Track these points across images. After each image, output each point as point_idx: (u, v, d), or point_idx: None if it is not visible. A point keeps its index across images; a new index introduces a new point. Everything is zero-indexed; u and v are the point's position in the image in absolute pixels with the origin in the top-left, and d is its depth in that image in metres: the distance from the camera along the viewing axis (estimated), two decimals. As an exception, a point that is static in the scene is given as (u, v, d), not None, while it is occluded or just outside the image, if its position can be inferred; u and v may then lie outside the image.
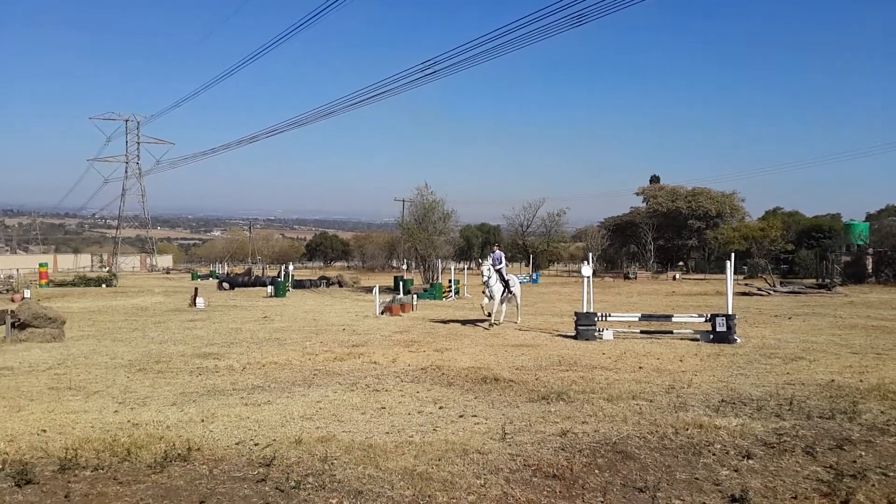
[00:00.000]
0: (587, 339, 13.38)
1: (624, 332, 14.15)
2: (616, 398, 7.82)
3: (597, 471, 5.24)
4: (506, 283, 17.02)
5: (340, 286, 39.89)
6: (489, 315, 16.76)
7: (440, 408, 7.48)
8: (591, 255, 21.39)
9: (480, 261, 18.58)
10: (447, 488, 4.81)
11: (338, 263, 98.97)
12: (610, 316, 14.38)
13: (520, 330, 15.83)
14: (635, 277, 50.64)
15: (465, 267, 42.38)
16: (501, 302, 16.96)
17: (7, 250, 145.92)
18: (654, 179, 77.95)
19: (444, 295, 28.47)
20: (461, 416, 7.06)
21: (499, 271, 16.93)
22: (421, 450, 5.73)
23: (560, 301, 27.08)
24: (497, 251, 17.95)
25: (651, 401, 7.70)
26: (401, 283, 28.24)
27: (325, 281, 40.76)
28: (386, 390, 8.52)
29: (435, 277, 33.97)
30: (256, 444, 5.95)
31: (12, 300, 27.51)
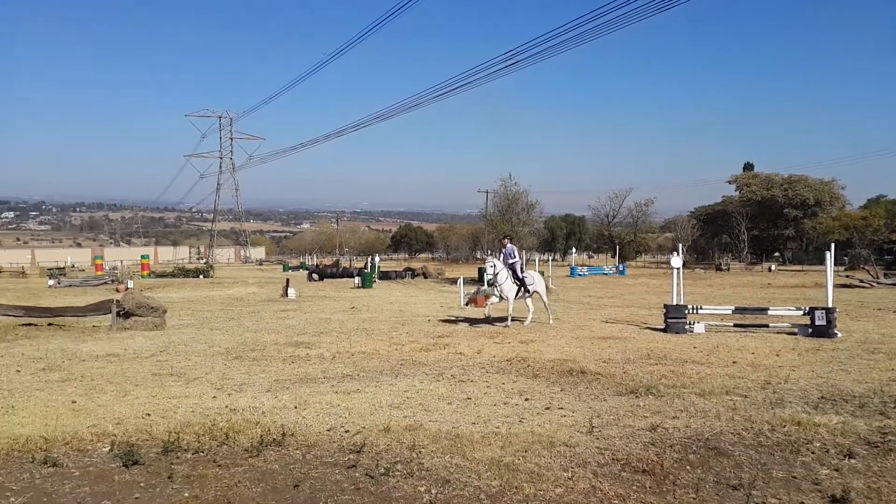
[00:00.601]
0: (677, 333, 13.06)
1: (716, 326, 13.73)
2: (708, 393, 7.61)
3: (688, 467, 5.12)
4: (521, 282, 15.01)
5: (425, 277, 40.32)
6: (485, 317, 15.37)
7: (526, 399, 7.47)
8: (680, 245, 20.83)
9: (485, 256, 17.57)
10: (534, 480, 4.80)
11: (422, 255, 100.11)
12: (701, 308, 13.98)
13: (606, 322, 15.59)
14: (728, 269, 49.06)
15: (550, 258, 42.04)
16: (518, 298, 15.08)
17: (111, 243, 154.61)
18: (748, 167, 75.19)
19: (528, 286, 28.34)
20: (547, 408, 7.03)
21: (511, 267, 15.00)
22: (507, 441, 5.74)
23: (648, 293, 26.52)
24: (509, 245, 15.86)
25: (745, 396, 7.45)
26: (485, 275, 28.27)
27: (410, 272, 41.30)
28: (471, 381, 8.57)
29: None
30: (347, 431, 6.11)
31: (117, 290, 29.11)
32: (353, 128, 58.29)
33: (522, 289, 15.06)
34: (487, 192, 53.11)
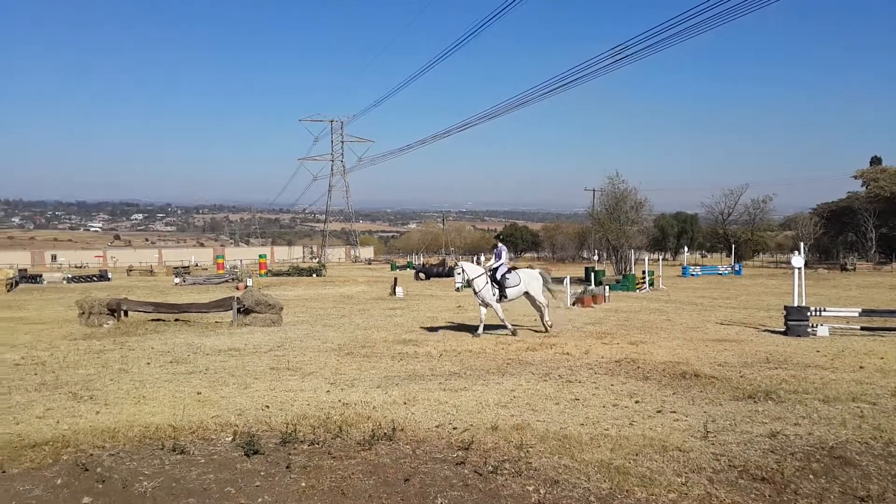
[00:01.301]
0: (798, 336, 12.40)
1: (841, 329, 12.94)
2: (833, 399, 7.20)
3: (811, 476, 4.87)
4: (499, 285, 13.53)
5: (531, 277, 40.07)
6: (479, 325, 13.61)
7: (636, 402, 7.31)
8: (802, 244, 19.76)
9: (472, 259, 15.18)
10: (646, 484, 4.70)
11: (527, 254, 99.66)
12: (825, 311, 13.20)
13: (721, 324, 15.00)
14: (854, 269, 46.13)
15: (661, 258, 40.90)
16: (502, 302, 13.70)
17: (231, 243, 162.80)
18: (875, 161, 70.42)
19: (637, 286, 27.68)
20: (659, 412, 6.85)
21: (493, 271, 13.65)
22: (617, 443, 5.64)
23: (766, 294, 25.33)
24: (500, 245, 14.23)
25: (874, 403, 7.00)
26: (592, 274, 27.85)
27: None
28: (579, 382, 8.46)
29: (628, 268, 33.12)
30: (455, 428, 6.17)
31: (237, 288, 30.59)
32: (459, 128, 58.64)
33: (499, 293, 13.56)
34: (594, 191, 52.30)
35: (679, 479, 4.79)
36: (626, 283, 27.95)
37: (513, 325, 13.71)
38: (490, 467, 5.01)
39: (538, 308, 14.17)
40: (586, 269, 33.03)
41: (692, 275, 41.14)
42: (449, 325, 15.19)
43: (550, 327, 13.93)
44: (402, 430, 6.06)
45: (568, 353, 10.80)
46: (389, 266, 67.26)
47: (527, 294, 14.02)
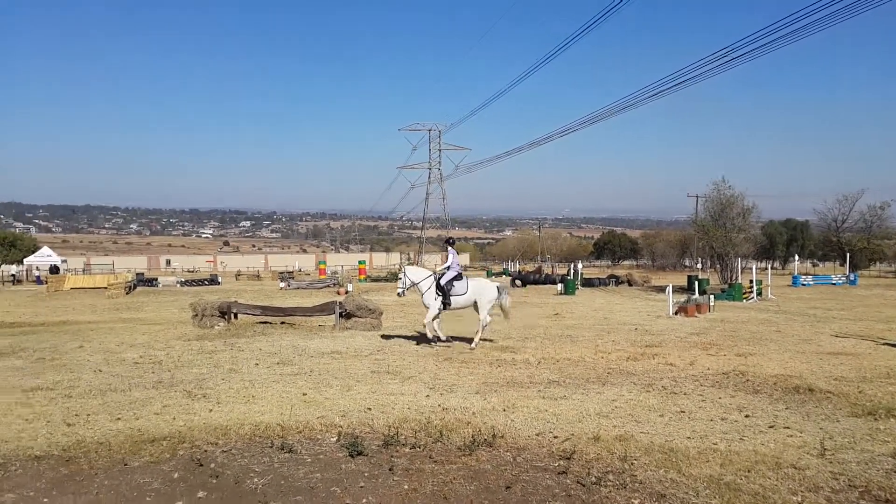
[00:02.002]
0: (924, 351, 11.57)
1: (974, 344, 12.00)
2: (966, 420, 6.67)
3: (944, 502, 4.52)
4: (443, 292, 12.67)
5: (630, 285, 39.27)
6: (434, 338, 12.76)
7: (746, 416, 7.01)
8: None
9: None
10: (759, 502, 4.49)
11: (626, 262, 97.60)
12: (955, 324, 12.27)
13: (836, 336, 14.18)
14: None
15: (769, 266, 39.12)
16: (442, 310, 12.87)
17: (332, 249, 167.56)
18: None
19: (744, 296, 26.58)
20: (771, 427, 6.54)
21: (439, 277, 12.87)
22: (727, 458, 5.42)
23: (884, 305, 23.78)
24: (450, 250, 13.45)
25: None
26: (696, 283, 26.95)
27: (614, 279, 40.45)
28: (684, 394, 8.20)
29: (734, 277, 31.87)
30: (556, 437, 6.10)
31: (338, 293, 31.40)
32: (559, 133, 57.96)
33: (442, 301, 12.70)
34: (698, 197, 50.65)
35: (795, 499, 4.55)
36: (732, 292, 26.86)
37: (449, 337, 12.88)
38: (593, 478, 4.92)
39: (480, 319, 12.92)
40: (689, 277, 32.03)
41: (803, 284, 39.14)
42: (544, 335, 15.03)
43: (473, 348, 12.36)
44: (502, 436, 6.04)
45: (672, 364, 10.48)
46: (485, 273, 67.38)
47: (475, 305, 12.98)
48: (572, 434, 6.20)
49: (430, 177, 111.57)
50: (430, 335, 12.72)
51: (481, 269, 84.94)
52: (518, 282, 40.75)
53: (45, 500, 4.68)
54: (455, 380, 9.18)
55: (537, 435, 6.21)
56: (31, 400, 7.94)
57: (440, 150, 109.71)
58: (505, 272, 64.00)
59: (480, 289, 13.11)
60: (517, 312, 20.76)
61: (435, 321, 12.85)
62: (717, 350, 12.12)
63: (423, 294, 12.87)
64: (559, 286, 32.34)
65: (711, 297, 22.99)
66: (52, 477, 5.12)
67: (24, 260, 47.39)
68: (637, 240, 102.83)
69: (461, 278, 13.03)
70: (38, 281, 49.28)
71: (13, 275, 49.55)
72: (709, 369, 9.94)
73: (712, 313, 20.21)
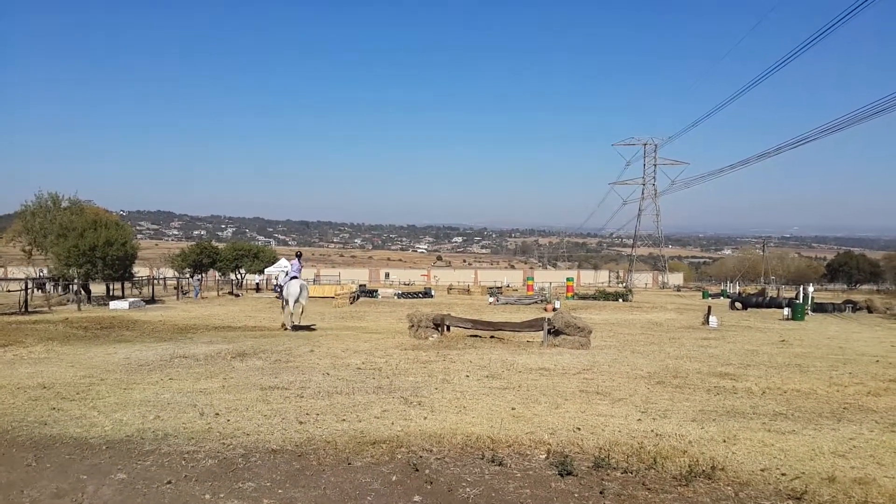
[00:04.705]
0: None
1: None
2: None
3: None
4: (280, 290, 19.58)
5: (870, 312, 35.25)
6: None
7: None
8: None
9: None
10: None
11: (864, 286, 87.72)
12: None
13: None
14: None
15: None
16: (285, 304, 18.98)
17: (540, 265, 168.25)
18: None
19: None
20: None
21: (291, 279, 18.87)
22: None
23: None
24: (295, 261, 19.68)
25: None
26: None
27: (850, 305, 36.53)
28: (941, 438, 7.18)
29: None
30: (783, 475, 5.62)
31: (545, 310, 31.43)
32: (792, 145, 53.09)
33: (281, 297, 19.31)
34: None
35: None
36: None
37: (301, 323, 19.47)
38: (828, 524, 4.46)
39: (290, 312, 18.75)
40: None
41: None
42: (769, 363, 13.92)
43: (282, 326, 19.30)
44: (722, 469, 5.67)
45: (923, 403, 9.23)
46: (701, 294, 63.98)
47: (295, 299, 18.50)
48: (802, 472, 5.67)
49: (643, 192, 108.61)
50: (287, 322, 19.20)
51: (696, 289, 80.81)
52: (738, 304, 38.19)
53: (280, 491, 5.13)
54: (669, 405, 8.78)
55: (762, 470, 5.75)
56: (269, 397, 8.78)
57: (655, 165, 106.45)
58: (723, 293, 60.33)
59: (292, 288, 18.48)
60: (737, 337, 19.48)
61: (288, 309, 18.85)
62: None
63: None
64: (786, 310, 29.80)
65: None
66: (286, 470, 5.62)
67: (265, 270, 52.57)
68: (878, 262, 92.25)
69: (293, 280, 18.75)
70: (276, 289, 54.58)
71: (257, 283, 55.22)
72: (973, 412, 8.62)
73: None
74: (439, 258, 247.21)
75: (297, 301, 18.42)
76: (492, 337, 17.00)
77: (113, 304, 29.89)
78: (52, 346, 14.73)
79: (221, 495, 5.01)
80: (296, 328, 18.84)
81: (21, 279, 33.30)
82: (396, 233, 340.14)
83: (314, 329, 19.87)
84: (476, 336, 16.97)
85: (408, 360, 12.77)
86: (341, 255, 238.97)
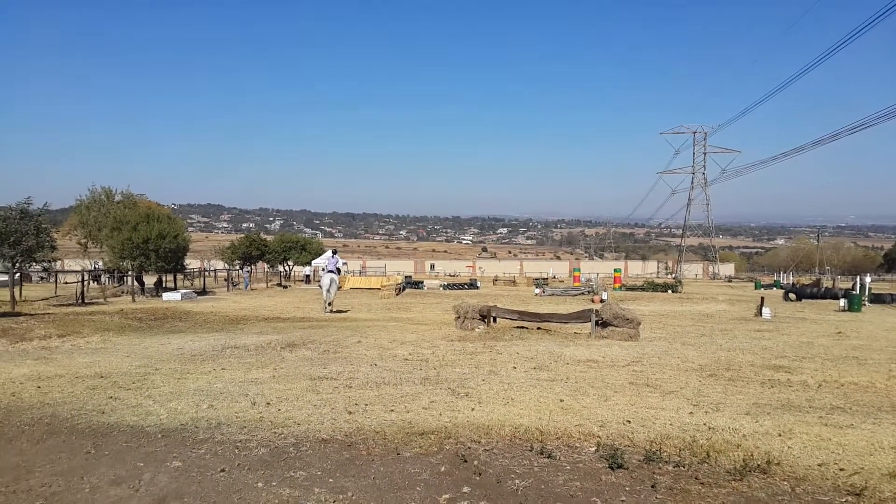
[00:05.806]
0: None
1: None
2: None
3: None
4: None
5: (932, 303, 34.01)
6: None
7: None
8: None
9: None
10: None
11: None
12: None
13: None
14: None
15: None
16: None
17: (586, 256, 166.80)
18: None
19: None
20: None
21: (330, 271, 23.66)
22: None
23: None
24: (329, 252, 24.93)
25: None
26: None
27: (911, 296, 35.31)
28: None
29: None
30: (842, 470, 5.46)
31: (592, 301, 31.15)
32: (850, 130, 50.95)
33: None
34: None
35: None
36: None
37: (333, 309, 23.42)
38: (891, 521, 4.33)
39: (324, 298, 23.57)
40: None
41: None
42: (825, 355, 13.55)
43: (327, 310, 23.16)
44: (777, 463, 5.54)
45: None
46: (753, 284, 62.61)
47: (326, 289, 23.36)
48: (862, 468, 5.51)
49: (692, 182, 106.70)
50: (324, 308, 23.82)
51: (748, 280, 79.16)
52: (792, 295, 37.26)
53: (330, 480, 5.19)
54: (721, 398, 8.62)
55: (819, 465, 5.60)
56: (319, 387, 8.89)
57: (705, 154, 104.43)
58: (776, 284, 58.97)
59: (325, 281, 23.63)
60: (791, 329, 19.03)
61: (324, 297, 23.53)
62: None
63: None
64: (842, 301, 28.93)
65: None
66: (336, 459, 5.68)
67: (312, 262, 53.31)
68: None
69: (326, 273, 23.86)
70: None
71: (306, 275, 55.92)
72: None
73: None
74: (484, 249, 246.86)
75: (327, 291, 23.22)
76: (538, 328, 16.90)
77: (166, 296, 30.63)
78: (108, 336, 15.18)
79: (273, 483, 5.09)
80: (334, 312, 23.20)
81: (77, 271, 34.43)
82: (441, 224, 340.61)
83: (346, 312, 24.12)
84: (523, 327, 16.90)
85: (454, 351, 12.79)
86: (386, 247, 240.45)
